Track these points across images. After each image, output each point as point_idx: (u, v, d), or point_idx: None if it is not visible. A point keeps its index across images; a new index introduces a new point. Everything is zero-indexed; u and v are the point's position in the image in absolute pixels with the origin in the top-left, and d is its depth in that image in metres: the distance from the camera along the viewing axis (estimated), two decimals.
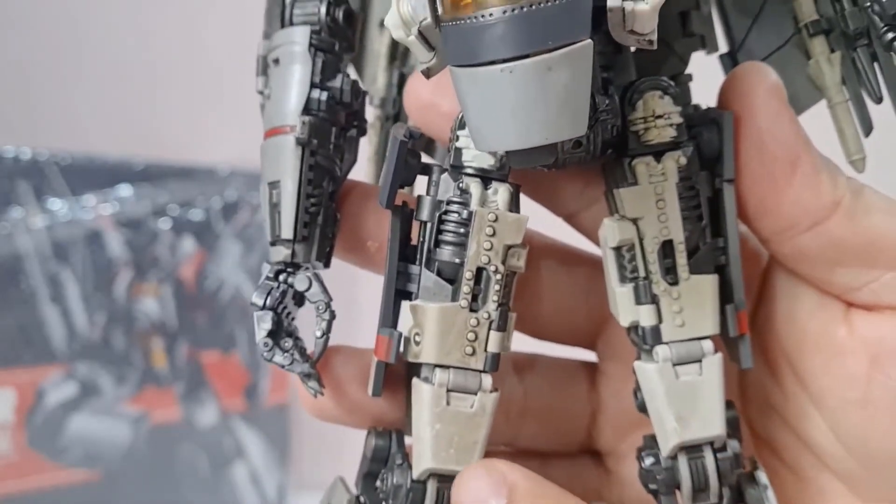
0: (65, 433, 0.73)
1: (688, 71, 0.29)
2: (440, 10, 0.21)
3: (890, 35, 0.25)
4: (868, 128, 0.29)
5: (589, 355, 0.34)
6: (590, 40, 0.20)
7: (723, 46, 0.31)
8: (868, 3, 0.25)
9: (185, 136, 0.95)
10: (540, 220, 0.29)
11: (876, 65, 0.28)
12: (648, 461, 0.27)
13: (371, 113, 0.32)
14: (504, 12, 0.19)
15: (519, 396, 0.31)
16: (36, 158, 0.72)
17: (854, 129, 0.28)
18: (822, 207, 0.26)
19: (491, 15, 0.20)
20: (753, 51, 0.30)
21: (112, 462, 0.75)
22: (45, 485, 0.72)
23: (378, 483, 0.28)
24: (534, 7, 0.19)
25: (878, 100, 0.28)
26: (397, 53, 0.33)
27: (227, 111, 0.96)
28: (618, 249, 0.27)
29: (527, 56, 0.20)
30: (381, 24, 0.32)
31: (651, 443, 0.27)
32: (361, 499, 0.28)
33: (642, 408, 0.27)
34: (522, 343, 0.31)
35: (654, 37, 0.22)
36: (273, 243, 0.27)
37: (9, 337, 0.70)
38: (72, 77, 0.99)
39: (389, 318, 0.27)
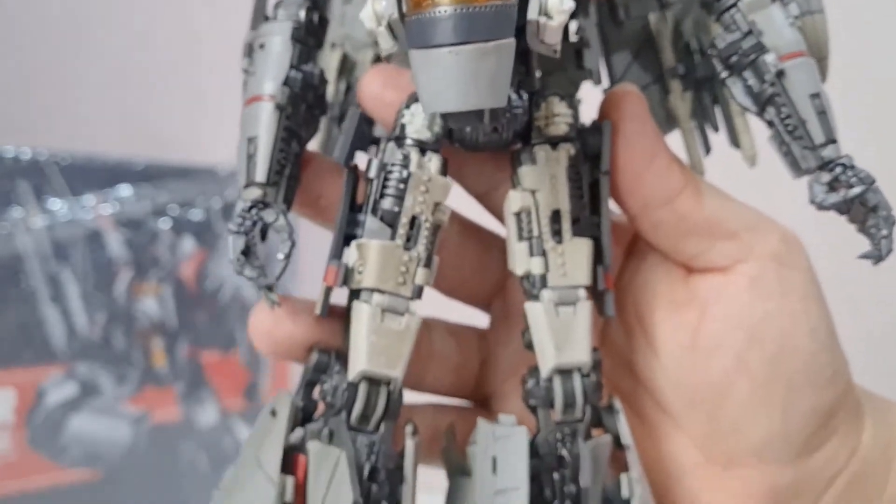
0: (65, 433, 0.73)
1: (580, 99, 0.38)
2: (404, 8, 0.28)
3: (724, 74, 0.33)
4: (707, 149, 0.39)
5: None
6: (513, 38, 0.27)
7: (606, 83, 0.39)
8: (711, 51, 0.33)
9: (185, 136, 0.95)
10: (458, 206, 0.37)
11: (716, 105, 0.39)
12: (531, 383, 0.34)
13: None
14: (455, 10, 0.27)
15: (427, 342, 0.39)
16: (36, 158, 0.72)
17: (697, 151, 0.39)
18: (672, 189, 0.34)
19: (444, 11, 0.27)
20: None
21: (112, 462, 0.76)
22: (46, 484, 0.72)
23: (317, 388, 0.34)
24: (474, 9, 0.27)
25: (716, 129, 0.39)
26: (345, 68, 0.42)
27: (227, 111, 0.96)
28: (517, 214, 0.34)
29: (468, 43, 0.27)
30: (332, 45, 0.41)
31: (533, 371, 0.34)
32: (301, 404, 0.34)
33: (529, 345, 0.34)
34: (435, 308, 0.39)
35: (559, 48, 0.29)
36: (246, 186, 0.33)
37: (9, 337, 0.70)
38: (72, 77, 0.99)
39: (339, 252, 0.33)
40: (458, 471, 0.34)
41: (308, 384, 0.34)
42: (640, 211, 0.35)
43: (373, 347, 0.32)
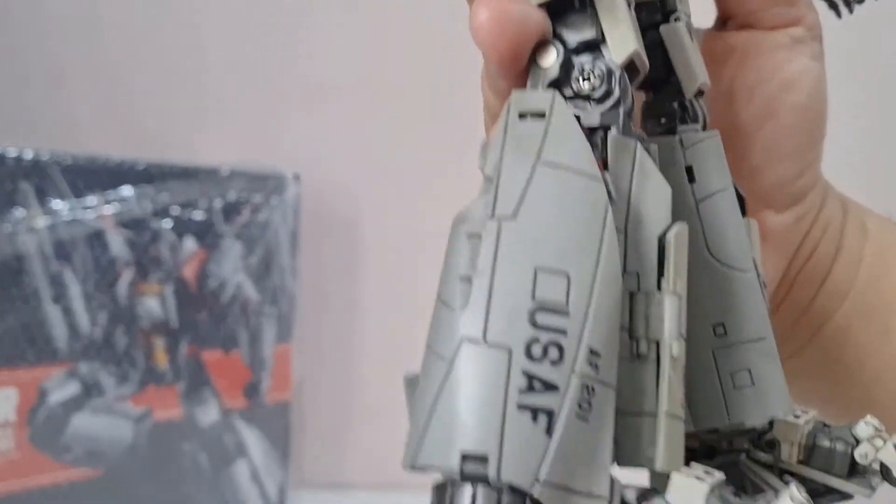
0: (67, 432, 0.73)
1: None
2: None
3: None
4: None
5: None
6: None
7: None
8: None
9: (187, 137, 0.96)
10: None
11: None
12: (673, 105, 0.32)
13: None
14: None
15: None
16: (38, 159, 0.72)
17: None
18: None
19: None
20: None
21: (114, 460, 0.76)
22: (48, 483, 0.72)
23: (576, 79, 0.28)
24: None
25: None
26: None
27: (227, 112, 0.96)
28: None
29: None
30: None
31: (672, 95, 0.32)
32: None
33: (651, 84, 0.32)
34: None
35: None
36: None
37: (11, 336, 0.70)
38: (73, 78, 0.99)
39: None
40: None
41: (553, 85, 0.28)
42: None
43: (634, 28, 0.28)
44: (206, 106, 0.97)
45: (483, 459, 0.22)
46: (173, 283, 0.79)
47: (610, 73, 0.27)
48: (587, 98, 0.27)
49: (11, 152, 0.71)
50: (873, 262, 0.42)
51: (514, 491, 0.22)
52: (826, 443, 0.31)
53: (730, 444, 0.33)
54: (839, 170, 0.43)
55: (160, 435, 0.79)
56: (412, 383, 0.27)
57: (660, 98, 0.33)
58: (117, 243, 0.76)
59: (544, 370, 0.23)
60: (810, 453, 0.32)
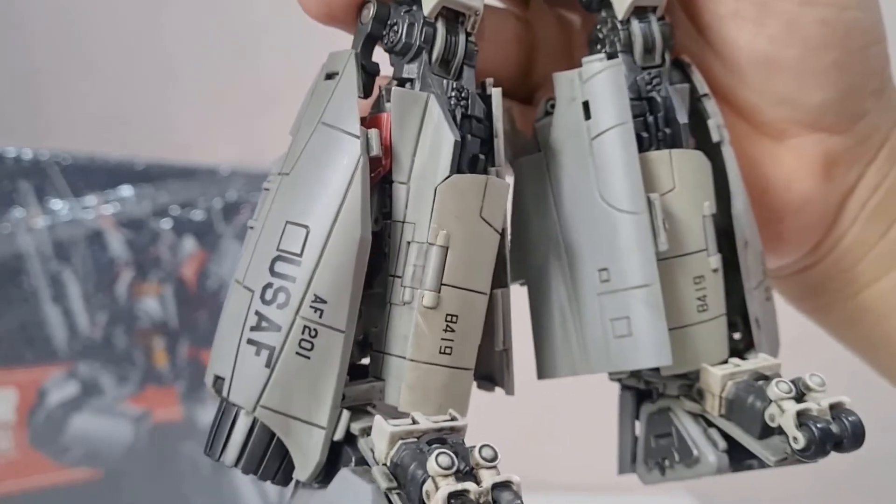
0: (66, 432, 0.73)
1: None
2: None
3: None
4: None
5: None
6: None
7: None
8: None
9: (186, 137, 0.96)
10: None
11: None
12: (604, 30, 0.31)
13: None
14: None
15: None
16: (37, 159, 0.72)
17: None
18: None
19: None
20: None
21: (113, 461, 0.76)
22: (47, 484, 0.72)
23: (386, 34, 0.29)
24: None
25: None
26: None
27: (227, 111, 0.96)
28: None
29: None
30: None
31: (605, 21, 0.31)
32: (363, 62, 0.29)
33: (588, 5, 0.32)
34: None
35: None
36: None
37: (10, 336, 0.70)
38: (73, 78, 0.99)
39: None
40: (523, 151, 0.32)
41: (368, 41, 0.29)
42: None
43: None
44: (206, 105, 0.97)
45: (224, 381, 0.26)
46: (173, 283, 0.79)
47: (411, 26, 0.28)
48: (393, 51, 0.28)
49: (10, 152, 0.71)
50: None
51: (248, 412, 0.26)
52: (744, 398, 0.30)
53: (665, 388, 0.32)
54: None
55: (160, 435, 0.79)
56: None
57: (600, 21, 0.32)
58: (117, 243, 0.76)
59: (271, 311, 0.26)
60: (731, 407, 0.30)
